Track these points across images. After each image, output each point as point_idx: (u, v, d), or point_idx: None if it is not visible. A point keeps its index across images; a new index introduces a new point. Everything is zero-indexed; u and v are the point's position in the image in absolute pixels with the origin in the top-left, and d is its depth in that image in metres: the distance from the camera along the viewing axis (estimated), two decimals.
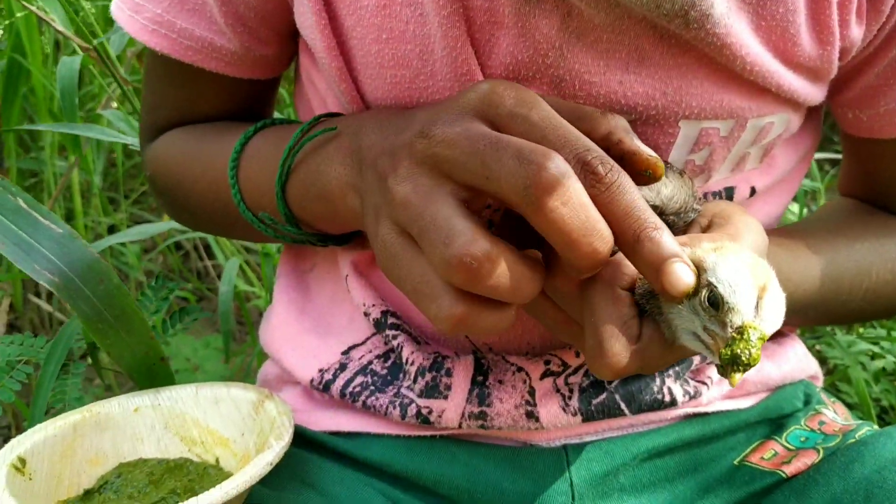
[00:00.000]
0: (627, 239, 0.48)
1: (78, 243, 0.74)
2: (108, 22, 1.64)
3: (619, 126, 0.53)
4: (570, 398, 0.67)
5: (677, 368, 0.69)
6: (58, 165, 1.76)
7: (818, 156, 1.67)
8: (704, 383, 0.70)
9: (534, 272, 0.48)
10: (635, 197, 0.48)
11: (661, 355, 0.51)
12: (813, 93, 0.66)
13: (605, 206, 0.47)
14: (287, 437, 0.61)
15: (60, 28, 1.06)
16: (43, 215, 0.74)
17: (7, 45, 1.42)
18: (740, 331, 0.47)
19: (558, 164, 0.46)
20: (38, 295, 1.75)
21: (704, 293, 0.48)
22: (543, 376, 0.68)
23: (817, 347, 1.44)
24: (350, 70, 0.66)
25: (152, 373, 0.76)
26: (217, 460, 0.67)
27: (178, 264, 1.97)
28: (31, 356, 0.83)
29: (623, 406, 0.68)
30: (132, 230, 1.38)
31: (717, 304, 0.48)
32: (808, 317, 0.77)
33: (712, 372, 0.71)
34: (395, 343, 0.70)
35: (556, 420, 0.67)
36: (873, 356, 1.35)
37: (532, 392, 0.67)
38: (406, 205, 0.49)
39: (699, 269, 0.49)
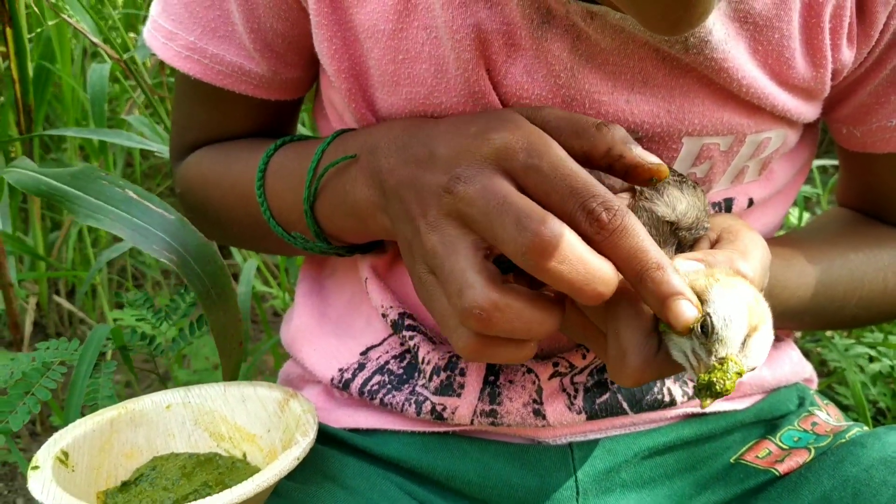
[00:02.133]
0: (632, 278, 0.52)
1: (189, 228, 0.79)
2: (133, 28, 1.68)
3: (616, 139, 0.57)
4: (575, 397, 0.71)
5: None
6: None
7: (820, 162, 1.69)
8: None
9: (546, 313, 0.53)
10: (639, 238, 0.52)
11: (676, 366, 0.55)
12: (806, 111, 0.70)
13: (611, 250, 0.52)
14: (312, 434, 0.64)
15: (94, 38, 1.10)
16: (154, 204, 0.79)
17: (36, 52, 1.46)
18: (722, 361, 0.51)
19: (552, 228, 0.50)
20: (58, 293, 1.80)
21: (699, 322, 0.52)
22: (551, 377, 0.71)
23: (817, 350, 1.47)
24: (366, 87, 0.69)
25: (233, 352, 0.81)
26: (244, 455, 0.71)
27: None
28: (65, 358, 0.87)
29: (625, 405, 0.71)
30: None
31: (706, 330, 0.52)
32: (804, 322, 0.80)
33: None
34: (411, 343, 0.73)
35: (561, 418, 0.70)
36: (871, 359, 1.38)
37: (540, 391, 0.71)
38: (434, 254, 0.54)
39: (702, 299, 0.53)
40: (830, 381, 1.40)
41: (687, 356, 0.53)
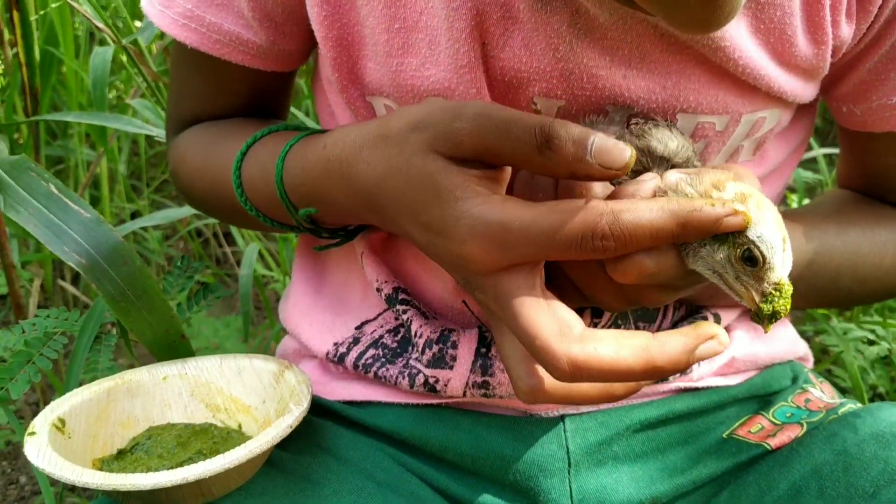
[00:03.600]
0: (674, 238, 0.53)
1: (104, 227, 0.78)
2: (137, 15, 1.69)
3: (571, 158, 0.53)
4: None
5: None
6: (85, 153, 1.82)
7: (826, 150, 1.68)
8: None
9: (594, 392, 0.56)
10: (645, 220, 0.52)
11: (680, 277, 0.56)
12: (803, 92, 0.70)
13: (636, 247, 0.52)
14: (306, 403, 0.66)
15: (98, 23, 1.10)
16: (72, 201, 0.79)
17: (41, 35, 1.47)
18: (777, 287, 0.52)
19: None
20: (63, 277, 1.81)
21: (740, 250, 0.52)
22: None
23: (818, 339, 1.47)
24: (356, 57, 0.69)
25: (172, 349, 0.81)
26: (239, 426, 0.72)
27: (199, 250, 2.02)
28: (66, 328, 0.88)
29: None
30: (156, 214, 1.43)
31: (754, 260, 0.52)
32: (799, 293, 0.80)
33: None
34: (404, 317, 0.74)
35: None
36: (871, 343, 1.38)
37: None
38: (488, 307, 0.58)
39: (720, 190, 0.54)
40: (826, 364, 1.40)
41: (721, 275, 0.53)
